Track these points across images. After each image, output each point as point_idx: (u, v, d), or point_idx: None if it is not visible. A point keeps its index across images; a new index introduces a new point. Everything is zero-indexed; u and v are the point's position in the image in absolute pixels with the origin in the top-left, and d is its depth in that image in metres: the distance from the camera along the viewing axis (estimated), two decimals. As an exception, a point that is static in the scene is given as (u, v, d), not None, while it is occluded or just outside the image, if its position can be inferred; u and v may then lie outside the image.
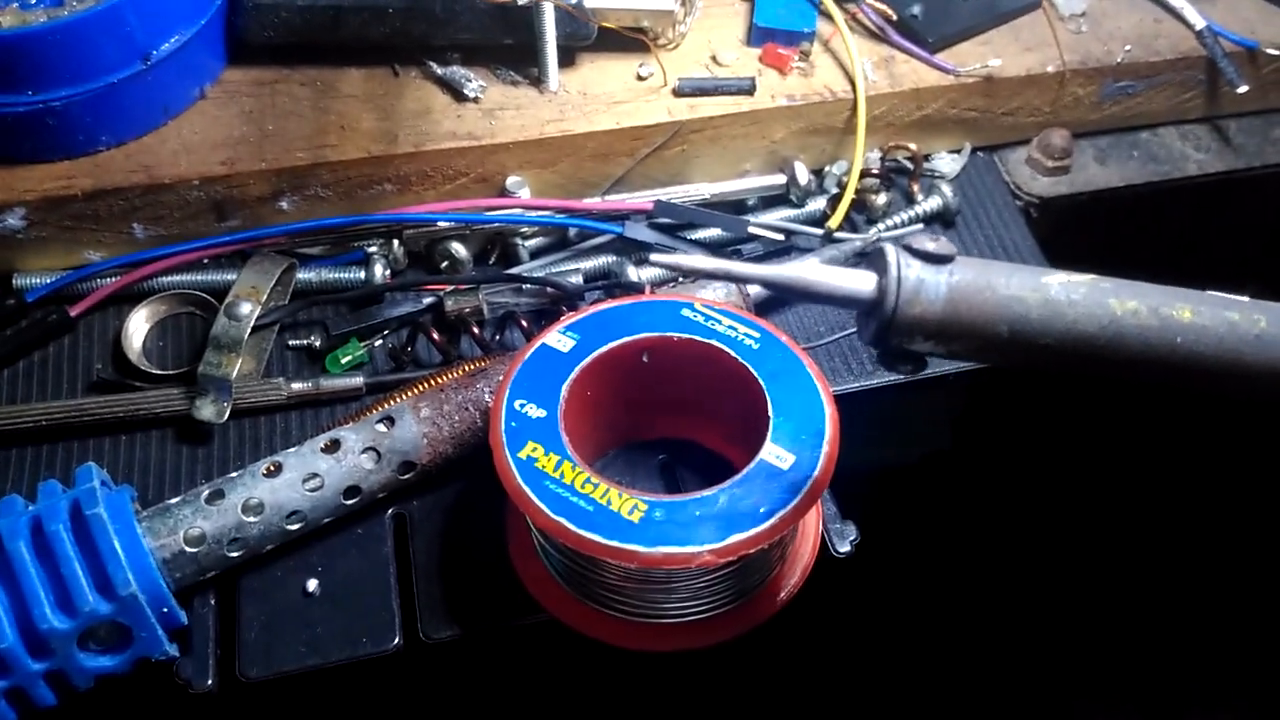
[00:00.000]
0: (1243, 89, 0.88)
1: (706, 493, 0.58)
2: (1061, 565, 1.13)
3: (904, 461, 0.94)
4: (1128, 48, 0.88)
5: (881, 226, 0.84)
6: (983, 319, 0.48)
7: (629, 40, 0.81)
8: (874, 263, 0.49)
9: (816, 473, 0.59)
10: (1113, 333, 0.48)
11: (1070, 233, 0.90)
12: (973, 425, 0.94)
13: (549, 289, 0.77)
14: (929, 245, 0.48)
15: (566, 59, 0.81)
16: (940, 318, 0.48)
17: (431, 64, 0.80)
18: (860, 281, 0.49)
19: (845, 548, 0.69)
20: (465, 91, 0.79)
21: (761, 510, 0.57)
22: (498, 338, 0.77)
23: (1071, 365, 0.49)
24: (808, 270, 0.49)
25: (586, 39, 0.80)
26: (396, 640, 0.65)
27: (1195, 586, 1.18)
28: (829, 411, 0.62)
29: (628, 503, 0.57)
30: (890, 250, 0.48)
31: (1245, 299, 0.49)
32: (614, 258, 0.80)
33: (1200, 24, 0.89)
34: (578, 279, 0.79)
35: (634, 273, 0.79)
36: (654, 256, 0.52)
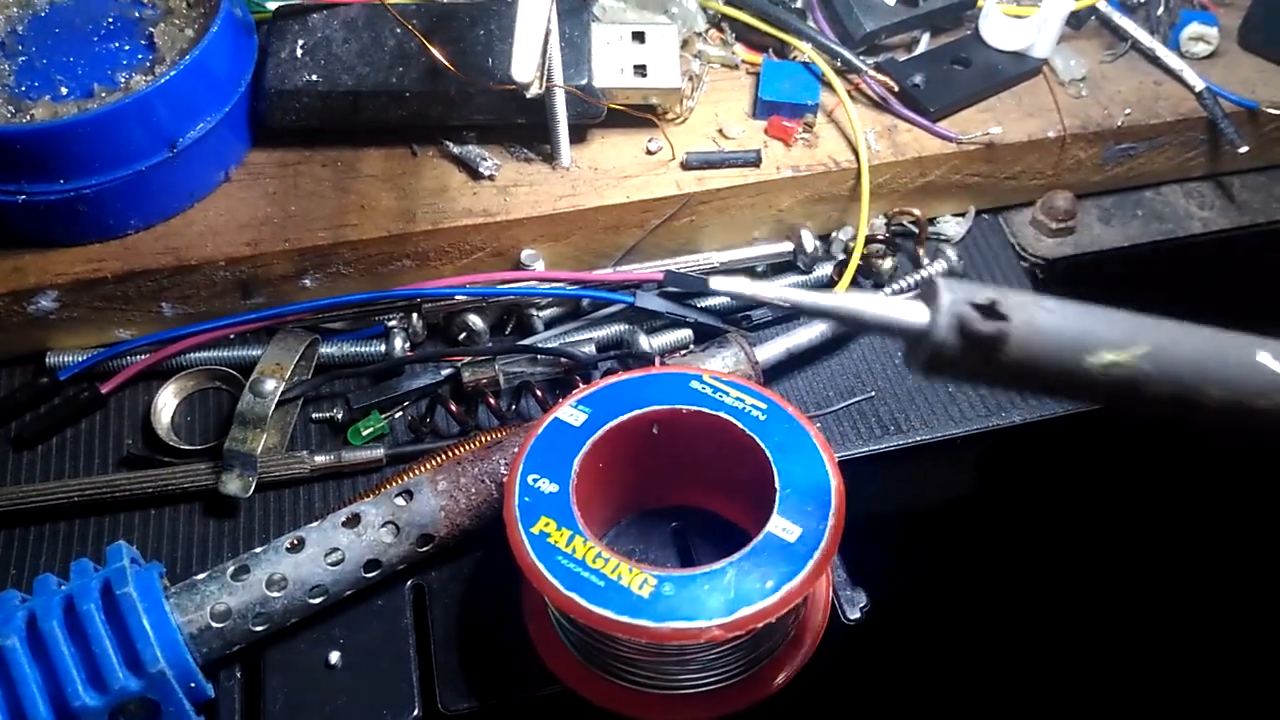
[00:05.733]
0: (1244, 149, 0.90)
1: (714, 567, 0.59)
2: (1090, 612, 1.13)
3: (925, 508, 0.95)
4: (1128, 111, 0.90)
5: (888, 290, 0.86)
6: (1018, 384, 0.51)
7: (638, 117, 0.84)
8: (927, 298, 0.49)
9: (822, 545, 0.60)
10: (1133, 408, 0.49)
11: (1076, 293, 0.91)
12: (998, 469, 0.94)
13: (563, 359, 0.79)
14: (977, 328, 0.48)
15: (578, 136, 0.84)
16: (976, 377, 0.50)
17: (448, 143, 0.83)
18: (911, 316, 0.49)
19: (855, 614, 0.70)
20: (481, 169, 0.82)
21: (769, 584, 0.58)
22: (514, 407, 0.79)
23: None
24: (862, 302, 0.50)
25: (597, 117, 0.82)
26: (416, 711, 0.66)
27: (1237, 642, 1.16)
28: (834, 483, 0.63)
29: (638, 577, 0.59)
30: (943, 315, 0.48)
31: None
32: (626, 327, 0.82)
33: (1200, 85, 0.91)
34: (590, 349, 0.81)
35: (645, 342, 0.81)
36: (714, 283, 0.53)
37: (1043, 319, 0.48)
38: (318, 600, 0.66)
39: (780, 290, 0.53)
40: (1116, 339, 0.48)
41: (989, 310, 0.48)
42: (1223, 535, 1.16)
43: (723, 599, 0.58)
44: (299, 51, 0.81)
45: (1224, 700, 1.14)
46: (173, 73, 0.74)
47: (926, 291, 0.50)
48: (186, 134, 0.77)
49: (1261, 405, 0.49)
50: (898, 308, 0.49)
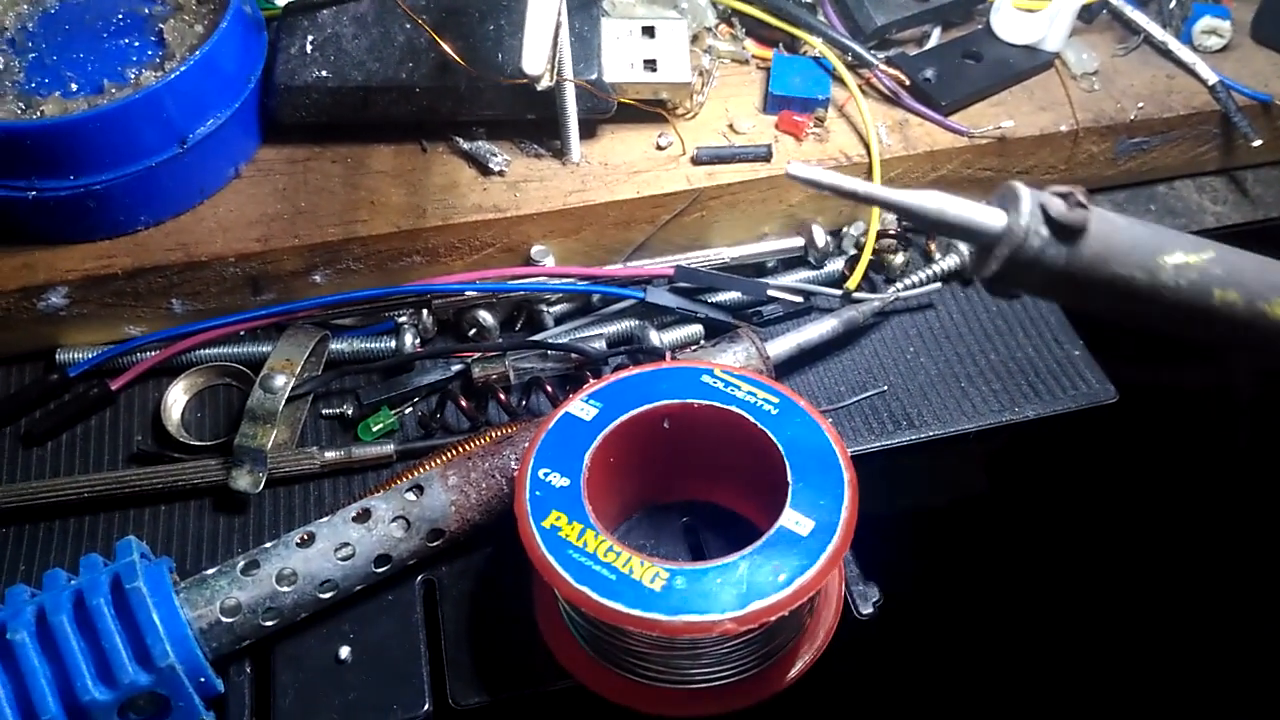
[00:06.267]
0: (1257, 142, 0.89)
1: (727, 560, 0.59)
2: (1105, 608, 1.12)
3: (935, 505, 0.94)
4: (1140, 105, 0.89)
5: (899, 285, 0.85)
6: (1091, 288, 0.50)
7: (648, 111, 0.84)
8: (1005, 200, 0.49)
9: (835, 539, 0.60)
10: (1204, 318, 0.50)
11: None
12: (1011, 464, 0.93)
13: (573, 355, 0.79)
14: (1063, 213, 0.48)
15: (588, 131, 0.83)
16: (1051, 279, 0.50)
17: (458, 139, 0.83)
18: (989, 218, 0.49)
19: (868, 609, 0.69)
20: (491, 165, 0.81)
21: (781, 577, 0.58)
22: (524, 403, 0.79)
23: (1157, 331, 0.52)
24: (944, 201, 0.49)
25: (607, 112, 0.82)
26: (426, 706, 0.66)
27: (1254, 635, 1.15)
28: (847, 477, 0.62)
29: (649, 571, 0.59)
30: (1025, 204, 0.48)
31: None
32: (636, 322, 0.82)
33: (1213, 79, 0.91)
34: (601, 344, 0.80)
35: (655, 337, 0.81)
36: (790, 170, 0.50)
37: (1118, 217, 0.50)
38: (328, 595, 0.66)
39: (860, 183, 0.49)
40: (1186, 243, 0.50)
41: (1071, 198, 0.48)
42: (1241, 532, 1.15)
43: (735, 592, 0.57)
44: (309, 47, 0.81)
45: (1238, 692, 1.13)
46: (183, 69, 0.74)
47: (1005, 195, 0.49)
48: (196, 130, 0.77)
49: None
50: (977, 210, 0.49)
